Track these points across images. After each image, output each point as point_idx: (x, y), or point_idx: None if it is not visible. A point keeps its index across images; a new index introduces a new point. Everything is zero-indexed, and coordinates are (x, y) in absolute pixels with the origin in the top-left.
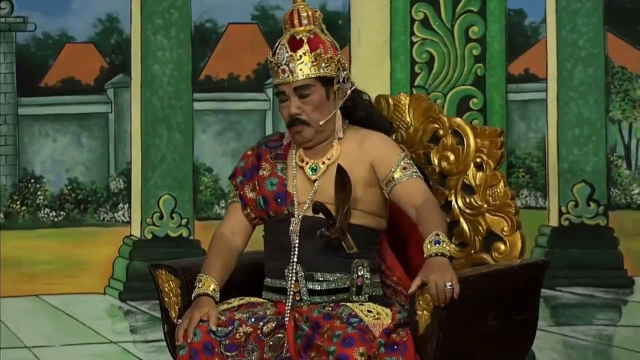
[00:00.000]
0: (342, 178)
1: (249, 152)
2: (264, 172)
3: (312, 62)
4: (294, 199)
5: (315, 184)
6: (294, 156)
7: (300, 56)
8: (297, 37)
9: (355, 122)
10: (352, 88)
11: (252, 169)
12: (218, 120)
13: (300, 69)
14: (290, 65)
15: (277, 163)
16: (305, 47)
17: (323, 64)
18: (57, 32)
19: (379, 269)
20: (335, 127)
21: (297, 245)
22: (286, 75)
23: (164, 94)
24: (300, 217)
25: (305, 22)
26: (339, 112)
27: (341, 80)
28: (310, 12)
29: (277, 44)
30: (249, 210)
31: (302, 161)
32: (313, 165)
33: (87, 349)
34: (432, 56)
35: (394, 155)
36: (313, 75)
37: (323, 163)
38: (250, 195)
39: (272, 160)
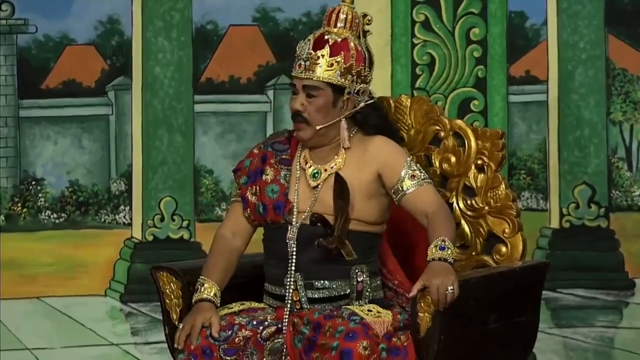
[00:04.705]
0: (340, 186)
1: (255, 151)
2: (267, 177)
3: (328, 66)
4: (294, 206)
5: (316, 192)
6: (299, 158)
7: (319, 57)
8: (325, 37)
9: (366, 131)
10: (367, 102)
11: (256, 172)
12: (219, 122)
13: (314, 70)
14: (308, 62)
15: (281, 169)
16: (327, 49)
17: (338, 72)
18: (58, 34)
19: (379, 271)
20: (339, 135)
21: (294, 254)
22: (300, 70)
23: (165, 96)
24: (298, 225)
25: (340, 24)
26: (344, 122)
27: (353, 92)
28: (350, 16)
29: (309, 36)
30: (248, 213)
31: (306, 163)
32: (315, 171)
33: (88, 351)
34: (433, 58)
35: (400, 161)
36: (324, 79)
37: (325, 170)
38: (252, 199)
39: (277, 165)
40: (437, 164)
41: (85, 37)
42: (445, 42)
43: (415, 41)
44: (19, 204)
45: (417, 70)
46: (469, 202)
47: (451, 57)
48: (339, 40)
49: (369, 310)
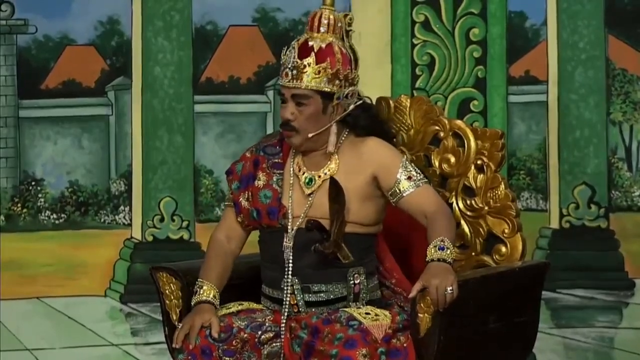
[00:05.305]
0: (335, 190)
1: (247, 155)
2: (259, 182)
3: (315, 74)
4: (289, 212)
5: (310, 198)
6: (292, 164)
7: (305, 65)
8: (309, 43)
9: (357, 133)
10: (356, 103)
11: (248, 177)
12: (219, 123)
13: (302, 78)
14: (294, 71)
15: (273, 174)
16: (312, 57)
17: (325, 78)
18: (58, 34)
19: (377, 270)
20: (330, 139)
21: (291, 259)
22: (288, 79)
23: (165, 96)
24: (293, 231)
25: (323, 29)
26: (334, 127)
27: (342, 96)
28: (332, 19)
29: (292, 43)
30: (242, 218)
31: (300, 170)
32: (309, 177)
33: (88, 351)
34: (432, 58)
35: (395, 163)
36: (312, 88)
37: (319, 177)
38: (245, 204)
39: (269, 169)
40: (437, 164)
41: (85, 37)
42: (445, 43)
43: (415, 41)
44: (19, 204)
45: (417, 71)
46: (468, 202)
47: (451, 58)
48: (324, 45)
49: (366, 313)
